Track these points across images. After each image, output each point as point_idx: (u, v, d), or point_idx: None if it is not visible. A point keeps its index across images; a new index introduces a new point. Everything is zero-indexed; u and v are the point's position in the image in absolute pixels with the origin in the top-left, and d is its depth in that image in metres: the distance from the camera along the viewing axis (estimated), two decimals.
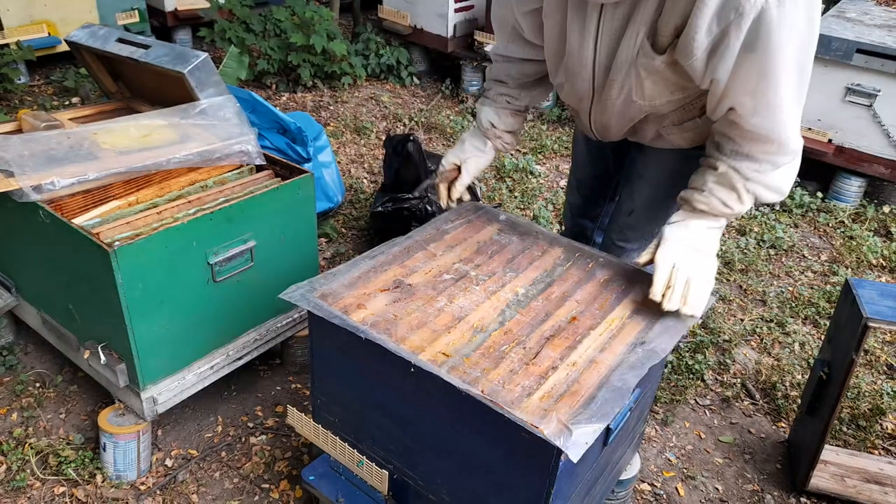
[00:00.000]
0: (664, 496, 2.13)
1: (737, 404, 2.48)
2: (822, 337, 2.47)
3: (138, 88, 2.57)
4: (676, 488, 2.15)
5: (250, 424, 2.25)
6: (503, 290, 1.67)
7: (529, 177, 3.85)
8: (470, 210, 2.01)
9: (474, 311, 1.59)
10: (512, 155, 4.06)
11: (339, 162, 3.73)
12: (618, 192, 2.15)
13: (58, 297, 2.08)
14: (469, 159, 1.94)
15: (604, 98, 1.68)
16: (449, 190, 1.98)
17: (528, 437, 1.28)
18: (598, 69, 1.61)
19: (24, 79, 4.33)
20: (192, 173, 2.10)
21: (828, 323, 2.62)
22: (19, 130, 2.24)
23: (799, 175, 3.86)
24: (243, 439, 2.20)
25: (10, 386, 2.30)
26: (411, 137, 3.01)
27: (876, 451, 2.31)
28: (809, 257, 3.34)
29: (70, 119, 2.30)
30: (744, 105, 1.43)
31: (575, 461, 1.22)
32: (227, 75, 3.78)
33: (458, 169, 1.96)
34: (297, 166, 2.17)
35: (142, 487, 2.01)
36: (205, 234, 1.90)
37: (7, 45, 4.13)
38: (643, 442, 2.27)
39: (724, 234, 3.43)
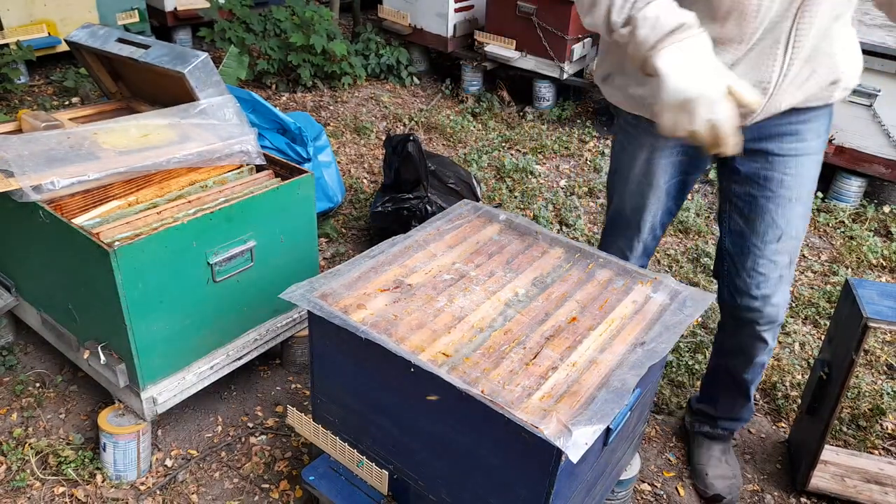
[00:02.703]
0: (664, 496, 2.13)
1: None
2: (822, 337, 2.46)
3: (138, 88, 2.57)
4: (676, 488, 2.15)
5: (250, 424, 2.25)
6: (503, 291, 1.67)
7: (529, 177, 3.85)
8: (470, 210, 2.01)
9: (474, 311, 1.59)
10: (512, 155, 4.05)
11: (339, 162, 3.73)
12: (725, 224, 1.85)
13: (58, 297, 2.08)
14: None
15: None
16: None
17: (529, 438, 1.28)
18: None
19: (24, 79, 4.33)
20: (192, 173, 2.10)
21: (828, 323, 2.62)
22: (19, 130, 2.24)
23: None
24: (243, 439, 2.20)
25: (10, 386, 2.30)
26: (411, 137, 3.01)
27: (876, 451, 2.31)
28: (809, 257, 3.34)
29: (70, 119, 2.30)
30: None
31: (575, 461, 1.22)
32: (227, 75, 3.78)
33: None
34: (297, 166, 2.17)
35: (142, 487, 2.01)
36: (205, 234, 1.90)
37: (7, 45, 4.13)
38: (643, 442, 2.27)
39: None
